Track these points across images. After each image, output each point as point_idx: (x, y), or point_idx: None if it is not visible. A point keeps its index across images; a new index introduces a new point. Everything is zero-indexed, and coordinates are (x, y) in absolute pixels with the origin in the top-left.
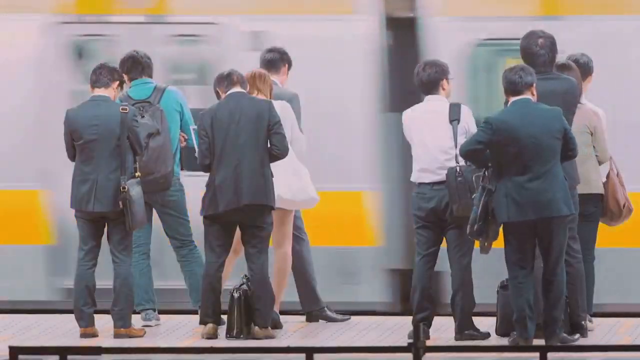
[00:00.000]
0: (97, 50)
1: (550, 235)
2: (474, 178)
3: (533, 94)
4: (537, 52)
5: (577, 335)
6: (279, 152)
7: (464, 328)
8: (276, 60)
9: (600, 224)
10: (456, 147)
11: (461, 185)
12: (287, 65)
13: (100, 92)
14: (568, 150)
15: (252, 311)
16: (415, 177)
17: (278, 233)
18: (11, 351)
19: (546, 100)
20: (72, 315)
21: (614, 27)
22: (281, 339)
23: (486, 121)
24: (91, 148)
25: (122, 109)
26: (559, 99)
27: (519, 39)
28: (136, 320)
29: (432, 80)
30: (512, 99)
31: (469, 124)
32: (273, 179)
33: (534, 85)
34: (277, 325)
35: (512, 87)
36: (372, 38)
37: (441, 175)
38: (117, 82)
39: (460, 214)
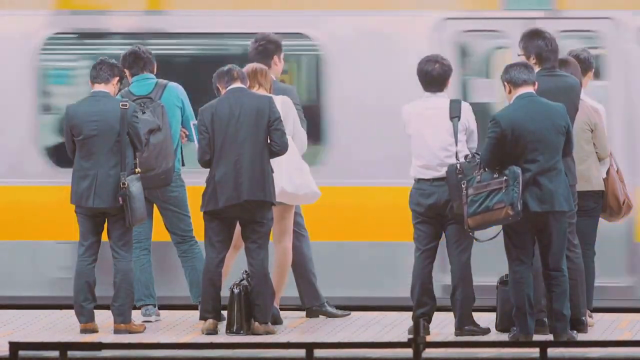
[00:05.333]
0: None
1: (550, 229)
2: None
3: (535, 90)
4: (548, 49)
5: (575, 332)
6: (278, 148)
7: (464, 324)
8: (268, 51)
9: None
10: (456, 144)
11: (461, 182)
12: (278, 55)
13: (100, 87)
14: (566, 147)
15: (252, 307)
16: (415, 172)
17: (278, 228)
18: (11, 347)
19: (551, 97)
20: (72, 311)
21: None
22: (281, 335)
23: (492, 120)
24: (91, 144)
25: (122, 105)
26: (565, 96)
27: None
28: (136, 316)
29: (443, 76)
30: (517, 92)
31: (469, 121)
32: (274, 173)
33: (535, 83)
34: (277, 321)
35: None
36: None
37: (441, 172)
38: (117, 78)
39: (460, 211)
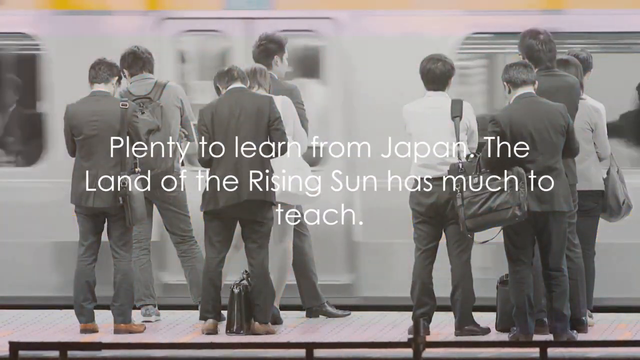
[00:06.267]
0: None
1: (549, 229)
2: None
3: (535, 90)
4: (541, 49)
5: (575, 332)
6: (278, 148)
7: (464, 323)
8: (269, 51)
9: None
10: (457, 143)
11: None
12: (279, 55)
13: (99, 87)
14: (569, 147)
15: (252, 307)
16: (415, 171)
17: (279, 228)
18: (11, 347)
19: (551, 97)
20: (72, 311)
21: None
22: (281, 335)
23: (492, 120)
24: (91, 143)
25: (122, 105)
26: (564, 95)
27: None
28: (136, 316)
29: (445, 75)
30: (517, 92)
31: (470, 120)
32: (275, 174)
33: (536, 82)
34: (277, 321)
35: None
36: None
37: (442, 171)
38: (116, 78)
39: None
